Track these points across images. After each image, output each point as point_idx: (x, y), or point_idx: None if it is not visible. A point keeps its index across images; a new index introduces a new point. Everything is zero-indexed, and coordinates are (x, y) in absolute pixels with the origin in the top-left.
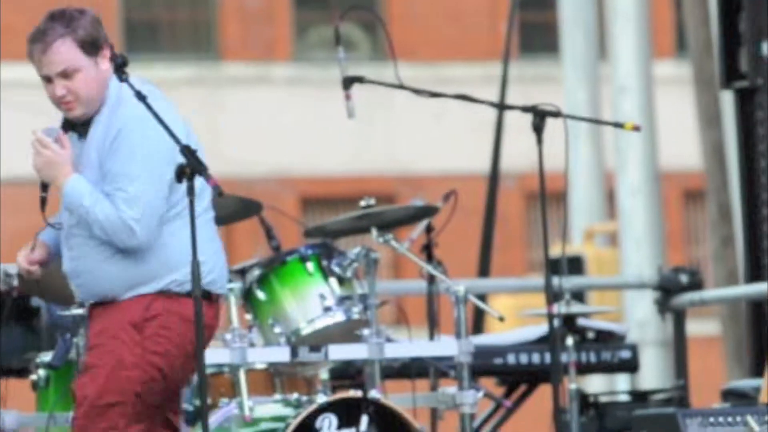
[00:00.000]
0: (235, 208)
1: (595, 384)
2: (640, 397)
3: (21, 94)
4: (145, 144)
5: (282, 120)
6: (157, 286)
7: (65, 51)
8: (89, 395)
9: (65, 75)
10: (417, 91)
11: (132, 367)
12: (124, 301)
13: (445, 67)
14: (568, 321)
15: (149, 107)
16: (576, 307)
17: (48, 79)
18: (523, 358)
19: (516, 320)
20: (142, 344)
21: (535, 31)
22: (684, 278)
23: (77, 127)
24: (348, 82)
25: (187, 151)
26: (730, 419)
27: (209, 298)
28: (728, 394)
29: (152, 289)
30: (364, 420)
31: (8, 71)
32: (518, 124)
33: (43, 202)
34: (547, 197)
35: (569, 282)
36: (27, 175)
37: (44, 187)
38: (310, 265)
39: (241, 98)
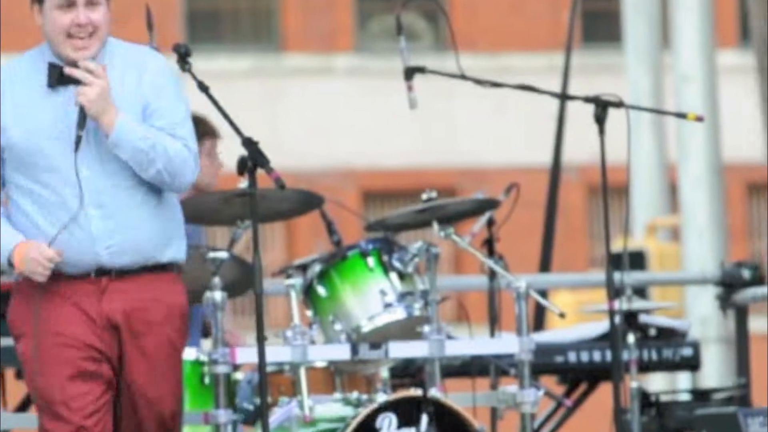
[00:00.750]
0: (296, 202)
1: (656, 382)
2: (701, 395)
3: None
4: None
5: (343, 112)
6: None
7: None
8: (177, 411)
9: (91, 3)
10: (479, 82)
11: None
12: (168, 276)
13: (506, 57)
14: (630, 317)
15: (211, 98)
16: (637, 304)
17: (70, 5)
18: (584, 356)
19: (577, 316)
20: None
21: (597, 20)
22: (746, 273)
23: (75, 81)
24: (410, 73)
25: (250, 144)
26: None
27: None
28: None
29: (178, 251)
30: (424, 419)
31: None
32: (580, 114)
33: (79, 141)
34: (609, 190)
35: (631, 277)
36: None
37: (83, 123)
38: (371, 261)
39: (302, 89)
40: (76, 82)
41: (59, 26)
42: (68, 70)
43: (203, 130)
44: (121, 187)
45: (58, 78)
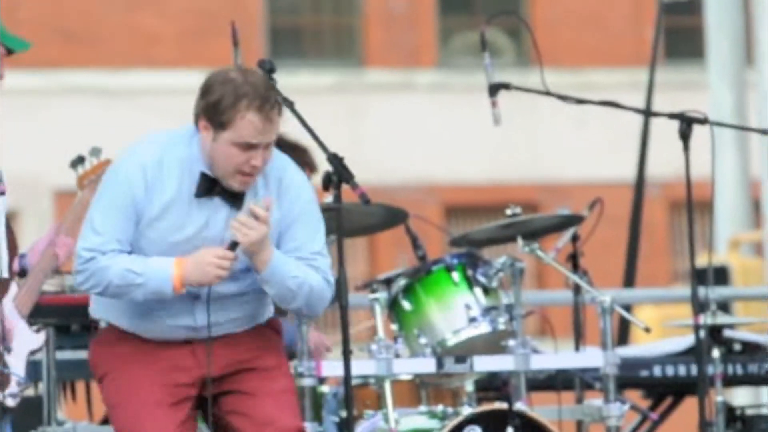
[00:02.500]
0: (380, 217)
1: (741, 396)
2: None
3: (162, 100)
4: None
5: (425, 127)
6: None
7: (278, 122)
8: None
9: (267, 146)
10: (563, 98)
11: None
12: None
13: (589, 73)
14: (714, 332)
15: (295, 113)
16: (722, 318)
17: (250, 146)
18: (669, 371)
19: (661, 331)
20: None
21: (680, 36)
22: None
23: (223, 193)
24: (495, 89)
25: (335, 159)
26: None
27: None
28: None
29: None
30: None
31: (149, 78)
32: (663, 131)
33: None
34: (693, 206)
35: (715, 292)
36: None
37: (233, 247)
38: (456, 275)
39: (385, 105)
40: (226, 194)
41: (233, 162)
42: (235, 224)
43: (303, 161)
44: (245, 296)
45: (206, 190)
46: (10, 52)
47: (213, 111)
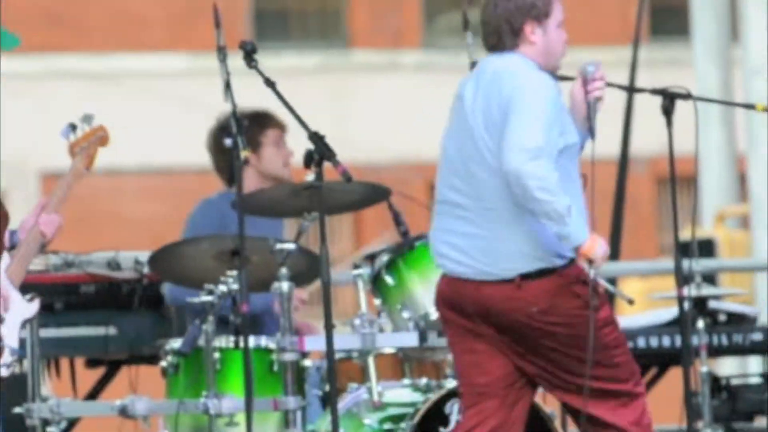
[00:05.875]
0: (362, 195)
1: (727, 367)
2: None
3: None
4: None
5: (410, 106)
6: None
7: None
8: None
9: None
10: None
11: None
12: None
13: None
14: (699, 304)
15: (277, 92)
16: (707, 290)
17: (560, 25)
18: (654, 342)
19: (646, 303)
20: None
21: (665, 14)
22: None
23: None
24: (476, 67)
25: (316, 138)
26: None
27: None
28: None
29: None
30: None
31: (136, 61)
32: (649, 107)
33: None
34: (678, 181)
35: (699, 264)
36: (173, 164)
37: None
38: None
39: (370, 85)
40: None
41: (562, 43)
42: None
43: (267, 122)
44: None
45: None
46: None
47: (532, 8)
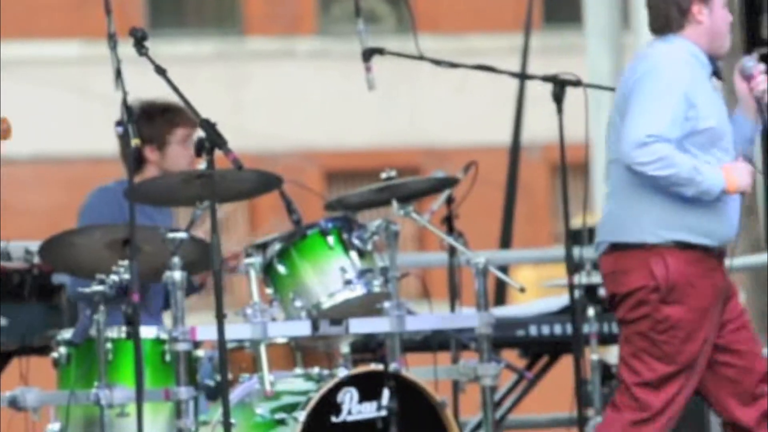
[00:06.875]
0: (254, 183)
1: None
2: None
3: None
4: None
5: (306, 94)
6: None
7: None
8: None
9: None
10: (437, 62)
11: None
12: None
13: (469, 38)
14: (590, 291)
15: (168, 81)
16: (597, 278)
17: (725, 5)
18: (545, 330)
19: (539, 291)
20: None
21: (558, 1)
22: None
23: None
24: (368, 54)
25: (207, 125)
26: None
27: None
28: None
29: None
30: (386, 393)
31: (27, 48)
32: (542, 94)
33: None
34: (571, 168)
35: (590, 252)
36: (50, 152)
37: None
38: (331, 239)
39: (266, 73)
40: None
41: (727, 23)
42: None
43: (178, 119)
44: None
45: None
46: None
47: None
